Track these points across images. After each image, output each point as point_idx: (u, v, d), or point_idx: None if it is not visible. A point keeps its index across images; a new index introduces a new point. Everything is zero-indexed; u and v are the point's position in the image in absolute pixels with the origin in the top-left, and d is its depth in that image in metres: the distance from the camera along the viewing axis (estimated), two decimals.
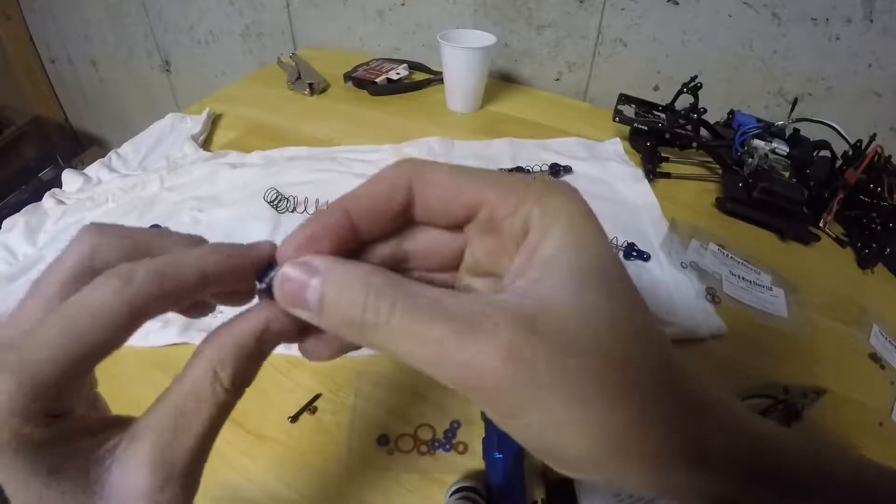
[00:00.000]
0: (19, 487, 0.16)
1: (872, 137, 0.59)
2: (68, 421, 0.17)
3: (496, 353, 0.14)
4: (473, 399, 0.16)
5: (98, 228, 0.19)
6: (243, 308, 0.20)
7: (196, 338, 0.47)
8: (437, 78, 0.91)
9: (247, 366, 0.19)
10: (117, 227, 0.19)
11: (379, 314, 0.15)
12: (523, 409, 0.15)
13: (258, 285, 0.19)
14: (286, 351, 0.48)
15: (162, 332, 0.47)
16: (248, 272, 0.19)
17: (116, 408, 0.45)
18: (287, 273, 0.17)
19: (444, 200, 0.18)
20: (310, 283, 0.17)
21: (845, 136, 0.61)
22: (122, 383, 0.45)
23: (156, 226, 0.58)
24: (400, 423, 0.42)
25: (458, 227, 0.19)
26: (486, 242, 0.19)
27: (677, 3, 0.78)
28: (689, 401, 0.16)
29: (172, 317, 0.48)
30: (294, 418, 0.42)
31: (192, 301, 0.19)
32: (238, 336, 0.18)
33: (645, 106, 0.75)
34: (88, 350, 0.17)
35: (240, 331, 0.18)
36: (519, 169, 0.67)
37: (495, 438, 0.38)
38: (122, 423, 0.19)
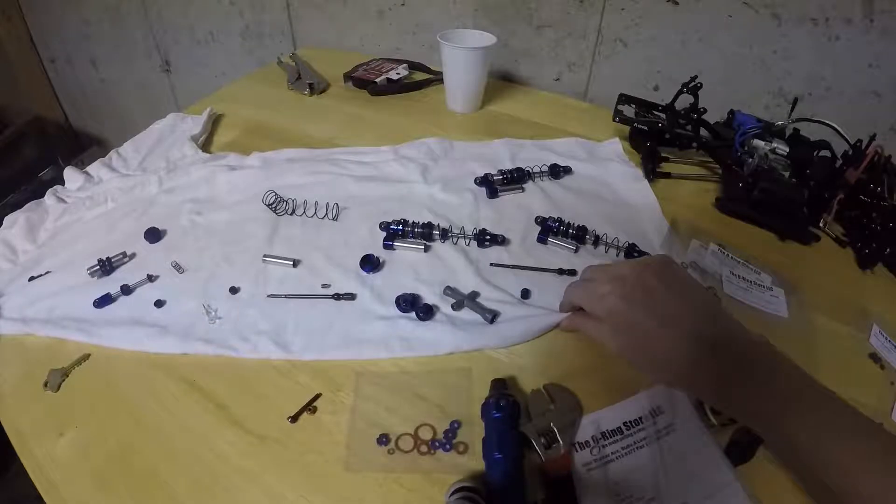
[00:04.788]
0: None
1: (872, 137, 0.59)
2: None
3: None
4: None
5: None
6: None
7: (195, 348, 0.47)
8: (437, 78, 0.91)
9: None
10: None
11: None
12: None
13: None
14: (286, 353, 0.48)
15: (160, 339, 0.47)
16: None
17: (117, 407, 0.45)
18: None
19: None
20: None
21: (845, 136, 0.61)
22: (122, 384, 0.45)
23: (153, 228, 0.58)
24: (400, 423, 0.42)
25: None
26: None
27: (677, 3, 0.78)
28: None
29: (171, 325, 0.48)
30: (294, 418, 0.42)
31: None
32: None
33: (645, 106, 0.75)
34: None
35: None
36: (519, 170, 0.67)
37: (495, 438, 0.38)
38: None
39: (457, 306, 0.50)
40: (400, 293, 0.51)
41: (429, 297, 0.52)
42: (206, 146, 0.77)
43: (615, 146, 0.75)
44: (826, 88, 0.75)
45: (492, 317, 0.49)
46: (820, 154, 0.63)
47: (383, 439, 0.41)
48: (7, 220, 0.61)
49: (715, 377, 0.36)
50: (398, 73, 0.92)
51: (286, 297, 0.52)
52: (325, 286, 0.53)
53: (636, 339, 0.38)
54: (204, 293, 0.52)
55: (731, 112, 0.72)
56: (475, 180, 0.67)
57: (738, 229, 0.62)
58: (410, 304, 0.50)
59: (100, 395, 0.44)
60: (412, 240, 0.58)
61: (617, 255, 0.57)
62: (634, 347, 0.39)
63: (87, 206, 0.64)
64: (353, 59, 0.97)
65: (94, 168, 0.70)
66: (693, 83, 0.68)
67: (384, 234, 0.58)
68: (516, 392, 0.43)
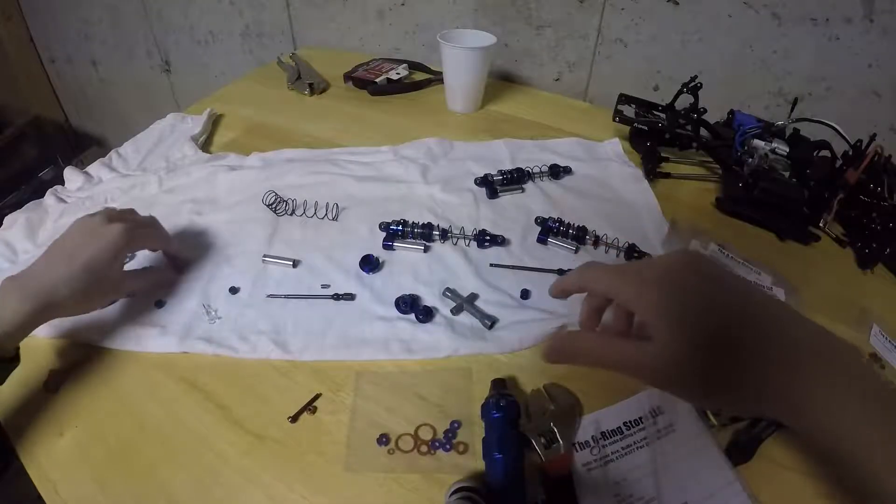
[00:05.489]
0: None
1: (872, 137, 0.59)
2: None
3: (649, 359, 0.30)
4: (637, 378, 0.32)
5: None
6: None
7: (194, 347, 0.47)
8: (437, 78, 0.91)
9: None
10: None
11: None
12: (664, 383, 0.31)
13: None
14: (285, 354, 0.48)
15: (160, 339, 0.48)
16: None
17: (117, 407, 0.45)
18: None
19: (600, 293, 0.35)
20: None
21: (845, 136, 0.61)
22: (122, 384, 0.45)
23: None
24: (400, 423, 0.42)
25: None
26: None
27: (677, 3, 0.78)
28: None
29: (171, 325, 0.49)
30: (294, 418, 0.42)
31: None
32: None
33: (645, 106, 0.75)
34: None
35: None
36: (519, 170, 0.67)
37: (495, 438, 0.38)
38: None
39: (456, 310, 0.50)
40: (399, 294, 0.51)
41: (428, 299, 0.52)
42: (206, 146, 0.77)
43: (615, 146, 0.75)
44: (826, 88, 0.75)
45: (490, 323, 0.49)
46: (820, 154, 0.63)
47: (383, 439, 0.41)
48: (7, 220, 0.61)
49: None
50: (398, 73, 0.92)
51: (286, 297, 0.52)
52: (324, 286, 0.53)
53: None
54: (204, 293, 0.52)
55: (731, 112, 0.72)
56: (475, 180, 0.67)
57: (738, 229, 0.62)
58: (410, 305, 0.50)
59: (100, 395, 0.44)
60: (412, 240, 0.58)
61: (617, 256, 0.57)
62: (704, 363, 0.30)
63: (87, 206, 0.64)
64: (353, 59, 0.97)
65: (94, 168, 0.70)
66: (693, 83, 0.68)
67: (384, 234, 0.58)
68: (516, 392, 0.43)
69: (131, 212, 0.51)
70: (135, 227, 0.48)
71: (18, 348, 0.42)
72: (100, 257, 0.44)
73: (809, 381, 0.28)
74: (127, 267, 0.51)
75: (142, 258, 0.56)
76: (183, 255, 0.55)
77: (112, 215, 0.47)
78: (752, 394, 0.29)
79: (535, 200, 0.64)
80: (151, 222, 0.52)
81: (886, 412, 0.27)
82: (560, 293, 0.38)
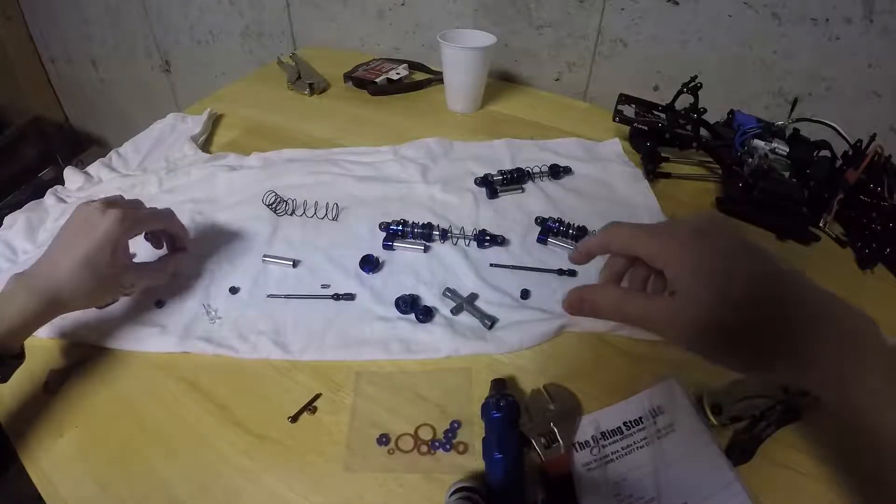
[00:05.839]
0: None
1: (872, 137, 0.59)
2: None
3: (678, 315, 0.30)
4: (659, 333, 0.31)
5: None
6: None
7: (194, 347, 0.47)
8: (437, 78, 0.91)
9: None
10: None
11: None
12: (688, 338, 0.30)
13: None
14: (285, 354, 0.48)
15: (160, 339, 0.48)
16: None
17: (117, 407, 0.45)
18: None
19: (623, 251, 0.35)
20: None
21: (845, 136, 0.61)
22: (122, 384, 0.45)
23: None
24: (400, 423, 0.42)
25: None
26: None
27: (677, 3, 0.78)
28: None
29: (171, 325, 0.48)
30: (294, 418, 0.42)
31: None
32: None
33: (645, 106, 0.75)
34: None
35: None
36: (519, 170, 0.67)
37: (495, 438, 0.38)
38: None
39: (456, 310, 0.50)
40: (399, 294, 0.51)
41: (428, 299, 0.52)
42: (206, 146, 0.77)
43: (615, 146, 0.75)
44: (826, 88, 0.75)
45: (490, 323, 0.49)
46: (820, 154, 0.63)
47: (383, 439, 0.41)
48: (7, 220, 0.61)
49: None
50: (398, 73, 0.92)
51: (286, 297, 0.52)
52: (324, 286, 0.53)
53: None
54: (204, 293, 0.52)
55: (731, 112, 0.72)
56: (475, 180, 0.67)
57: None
58: (410, 305, 0.50)
59: (100, 395, 0.44)
60: (412, 240, 0.58)
61: None
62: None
63: None
64: (353, 59, 0.97)
65: (94, 168, 0.71)
66: (693, 83, 0.68)
67: (384, 234, 0.58)
68: (516, 392, 0.43)
69: (137, 203, 0.50)
70: (131, 211, 0.47)
71: (23, 345, 0.42)
72: (98, 248, 0.44)
73: (841, 353, 0.29)
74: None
75: (144, 257, 0.56)
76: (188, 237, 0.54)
77: (110, 202, 0.46)
78: (781, 360, 0.29)
79: (535, 200, 0.64)
80: (155, 210, 0.51)
81: None
82: (583, 256, 0.37)
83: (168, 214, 0.51)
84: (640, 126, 0.72)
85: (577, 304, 0.34)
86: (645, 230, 0.33)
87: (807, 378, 0.29)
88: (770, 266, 0.30)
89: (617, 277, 0.36)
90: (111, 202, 0.47)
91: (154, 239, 0.53)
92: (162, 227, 0.51)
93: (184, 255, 0.53)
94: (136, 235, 0.48)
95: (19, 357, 0.42)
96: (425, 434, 0.41)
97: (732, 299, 0.29)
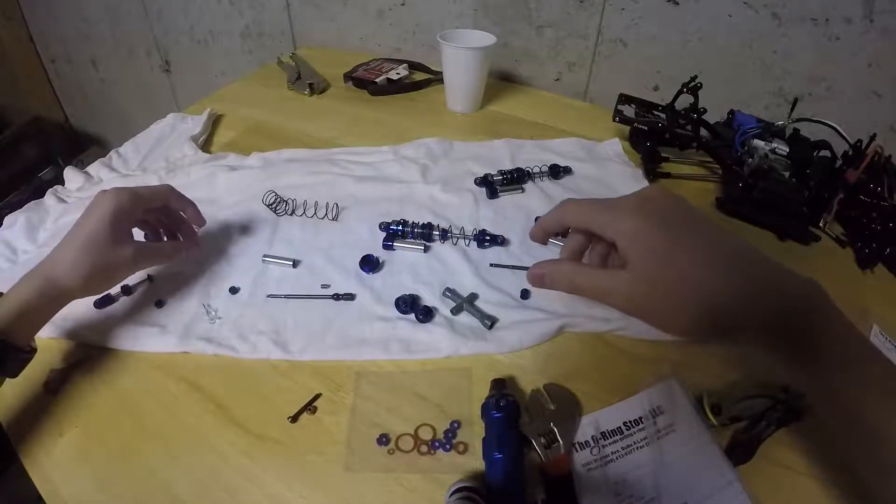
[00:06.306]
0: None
1: (872, 137, 0.59)
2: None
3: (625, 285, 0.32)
4: (609, 304, 0.33)
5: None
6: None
7: (194, 347, 0.47)
8: (437, 78, 0.91)
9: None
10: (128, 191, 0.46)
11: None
12: (636, 307, 0.32)
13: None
14: (285, 354, 0.48)
15: (160, 339, 0.48)
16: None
17: (117, 407, 0.45)
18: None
19: (578, 225, 0.37)
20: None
21: (845, 136, 0.61)
22: (122, 384, 0.45)
23: None
24: (400, 423, 0.42)
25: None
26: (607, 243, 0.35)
27: (677, 3, 0.78)
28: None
29: (171, 325, 0.48)
30: (294, 418, 0.42)
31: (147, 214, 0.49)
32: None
33: (645, 106, 0.75)
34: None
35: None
36: (519, 170, 0.67)
37: (495, 438, 0.38)
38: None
39: (456, 310, 0.50)
40: (399, 294, 0.51)
41: (428, 299, 0.52)
42: (206, 146, 0.77)
43: (615, 146, 0.75)
44: (826, 88, 0.75)
45: (490, 323, 0.49)
46: (820, 154, 0.63)
47: (383, 439, 0.41)
48: (7, 220, 0.61)
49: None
50: (398, 73, 0.92)
51: (286, 297, 0.52)
52: (324, 286, 0.53)
53: (669, 272, 0.30)
54: (204, 293, 0.52)
55: (731, 112, 0.72)
56: (475, 180, 0.67)
57: (738, 229, 0.62)
58: (410, 305, 0.50)
59: (100, 395, 0.44)
60: (412, 240, 0.58)
61: None
62: (666, 285, 0.31)
63: None
64: (353, 59, 0.97)
65: (94, 168, 0.71)
66: (693, 83, 0.68)
67: (384, 234, 0.58)
68: (516, 392, 0.43)
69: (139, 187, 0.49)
70: (129, 188, 0.46)
71: (34, 340, 0.42)
72: (98, 226, 0.44)
73: (791, 321, 0.31)
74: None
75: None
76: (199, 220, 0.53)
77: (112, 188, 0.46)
78: (727, 330, 0.31)
79: (535, 200, 0.64)
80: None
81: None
82: (541, 234, 0.39)
83: (167, 189, 0.50)
84: (640, 126, 0.72)
85: (539, 278, 0.36)
86: (596, 204, 0.35)
87: (761, 346, 0.32)
88: (714, 234, 0.32)
89: (577, 254, 0.38)
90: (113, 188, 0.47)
91: (152, 231, 0.52)
92: (162, 203, 0.50)
93: (196, 236, 0.53)
94: (138, 213, 0.47)
95: (30, 352, 0.41)
96: (425, 434, 0.41)
97: (677, 268, 0.30)
